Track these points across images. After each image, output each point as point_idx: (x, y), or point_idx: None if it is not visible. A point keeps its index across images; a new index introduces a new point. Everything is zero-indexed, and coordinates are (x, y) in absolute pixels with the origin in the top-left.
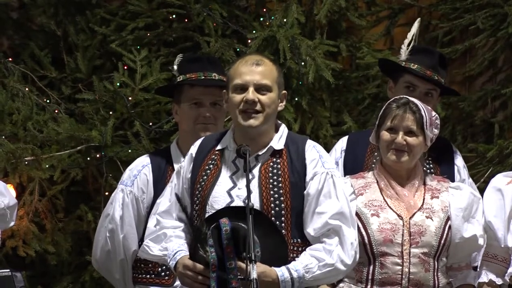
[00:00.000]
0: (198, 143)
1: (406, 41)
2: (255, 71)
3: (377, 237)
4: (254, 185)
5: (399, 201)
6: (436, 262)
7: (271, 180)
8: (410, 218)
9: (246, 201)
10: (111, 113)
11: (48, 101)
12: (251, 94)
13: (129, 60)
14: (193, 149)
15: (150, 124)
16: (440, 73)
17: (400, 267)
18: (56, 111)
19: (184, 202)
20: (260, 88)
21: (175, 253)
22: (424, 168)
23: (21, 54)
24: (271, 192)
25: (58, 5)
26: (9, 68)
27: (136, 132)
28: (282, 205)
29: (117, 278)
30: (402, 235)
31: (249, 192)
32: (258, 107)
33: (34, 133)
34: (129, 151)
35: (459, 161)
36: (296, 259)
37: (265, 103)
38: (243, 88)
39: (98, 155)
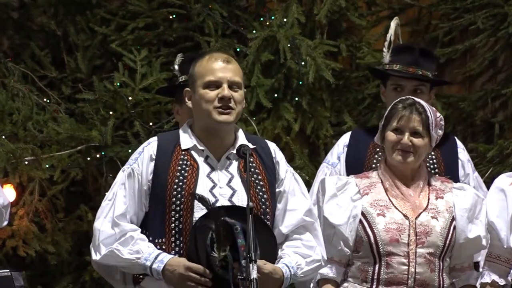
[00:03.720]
0: (153, 144)
1: (386, 43)
2: (227, 68)
3: (383, 236)
4: (237, 183)
5: (405, 201)
6: (441, 263)
7: (252, 179)
8: (416, 218)
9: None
10: (111, 113)
11: (48, 101)
12: (226, 90)
13: (129, 60)
14: (150, 150)
15: (150, 124)
16: (424, 66)
17: (406, 267)
18: (56, 111)
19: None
20: (233, 85)
21: (157, 255)
22: (427, 164)
23: (21, 54)
24: (256, 190)
25: (58, 5)
26: (9, 68)
27: (136, 132)
28: (267, 203)
29: (117, 278)
30: (408, 235)
31: (248, 192)
32: (232, 103)
33: (34, 133)
34: (129, 151)
35: (462, 155)
36: (283, 256)
37: (238, 100)
38: (216, 85)
39: (98, 155)
